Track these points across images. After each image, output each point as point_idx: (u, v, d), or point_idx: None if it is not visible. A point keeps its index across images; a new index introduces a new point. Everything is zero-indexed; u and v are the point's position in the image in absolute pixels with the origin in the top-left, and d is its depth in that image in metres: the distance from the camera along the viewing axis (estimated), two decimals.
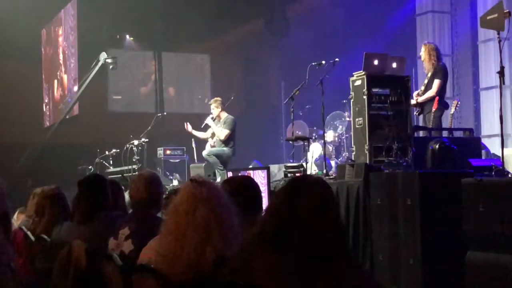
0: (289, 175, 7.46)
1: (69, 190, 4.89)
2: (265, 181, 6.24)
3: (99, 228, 3.82)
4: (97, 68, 12.75)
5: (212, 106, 9.72)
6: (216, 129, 9.57)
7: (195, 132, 10.08)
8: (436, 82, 7.66)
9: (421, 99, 7.73)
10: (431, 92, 7.66)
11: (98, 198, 4.07)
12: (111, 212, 4.10)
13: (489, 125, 10.45)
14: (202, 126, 9.89)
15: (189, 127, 10.02)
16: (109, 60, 12.52)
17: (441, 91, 7.73)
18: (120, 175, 10.32)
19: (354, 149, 6.83)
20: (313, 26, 13.37)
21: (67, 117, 14.11)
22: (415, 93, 7.78)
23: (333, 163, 9.43)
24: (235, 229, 2.47)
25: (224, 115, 9.67)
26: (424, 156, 5.93)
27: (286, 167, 7.83)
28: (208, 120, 9.69)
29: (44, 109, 15.78)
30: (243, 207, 2.66)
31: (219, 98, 9.92)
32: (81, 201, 4.04)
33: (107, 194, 4.18)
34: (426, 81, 7.85)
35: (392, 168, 6.11)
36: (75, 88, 14.00)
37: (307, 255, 1.98)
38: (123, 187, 5.19)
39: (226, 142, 9.50)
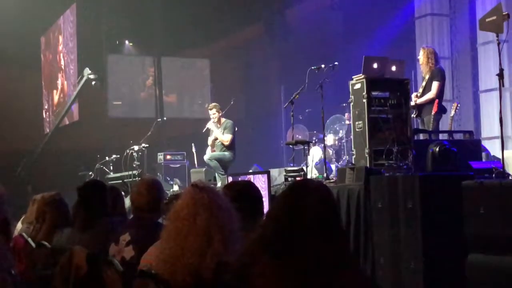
0: (289, 179, 7.45)
1: (70, 196, 4.88)
2: (266, 185, 6.23)
3: (99, 234, 3.81)
4: (82, 83, 12.93)
5: (213, 111, 9.71)
6: (219, 134, 9.56)
7: (214, 128, 9.72)
8: (435, 84, 7.67)
9: (419, 101, 7.74)
10: (431, 94, 7.67)
11: (98, 204, 4.06)
12: (111, 218, 4.10)
13: (489, 127, 10.45)
14: (203, 131, 9.90)
15: (210, 125, 9.73)
16: (91, 76, 12.71)
17: (440, 93, 7.74)
18: (121, 181, 10.33)
19: (354, 152, 6.82)
20: (312, 30, 13.38)
21: (68, 123, 14.15)
22: (413, 95, 7.79)
23: (333, 166, 9.42)
24: (236, 234, 2.47)
25: (222, 119, 9.69)
26: (425, 159, 5.93)
27: (287, 171, 7.82)
28: (210, 125, 9.68)
29: (44, 116, 15.80)
30: (244, 212, 2.66)
31: (217, 104, 9.93)
32: (81, 207, 4.03)
33: (106, 200, 4.18)
34: (424, 84, 7.87)
35: (393, 171, 6.10)
36: (75, 94, 14.05)
37: (308, 260, 1.97)
38: (123, 193, 5.19)
39: (228, 146, 9.52)
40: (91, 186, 4.28)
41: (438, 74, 7.75)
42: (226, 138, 9.49)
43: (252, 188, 3.28)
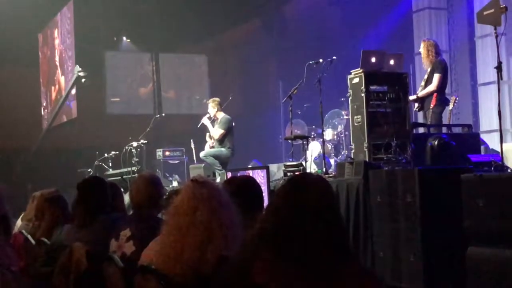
0: (288, 174, 7.45)
1: (69, 193, 4.88)
2: (265, 180, 6.23)
3: (99, 231, 3.81)
4: (73, 80, 13.05)
5: (210, 106, 9.72)
6: (211, 128, 9.57)
7: (207, 123, 9.75)
8: (436, 76, 7.67)
9: (421, 93, 7.75)
10: (432, 87, 7.66)
11: (98, 201, 4.05)
12: (111, 214, 4.10)
13: (487, 121, 10.44)
14: (198, 126, 9.89)
15: (204, 120, 9.76)
16: (81, 74, 12.91)
17: (442, 85, 7.73)
18: (120, 177, 10.31)
19: (353, 146, 6.83)
20: (310, 25, 13.38)
21: (66, 120, 14.13)
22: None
23: (332, 161, 9.42)
24: (236, 229, 2.47)
25: (220, 115, 9.66)
26: (423, 152, 5.93)
27: (286, 166, 7.83)
28: (204, 120, 9.68)
29: (42, 113, 15.79)
30: (245, 207, 2.66)
31: (217, 99, 9.91)
32: (81, 204, 4.03)
33: (106, 196, 4.17)
34: (426, 77, 7.86)
35: (392, 165, 6.10)
36: (73, 91, 14.05)
37: (308, 254, 1.97)
38: (122, 189, 5.18)
39: (221, 142, 9.50)
40: (91, 183, 4.27)
41: (439, 66, 7.75)
42: (216, 132, 9.47)
43: (252, 183, 3.28)
